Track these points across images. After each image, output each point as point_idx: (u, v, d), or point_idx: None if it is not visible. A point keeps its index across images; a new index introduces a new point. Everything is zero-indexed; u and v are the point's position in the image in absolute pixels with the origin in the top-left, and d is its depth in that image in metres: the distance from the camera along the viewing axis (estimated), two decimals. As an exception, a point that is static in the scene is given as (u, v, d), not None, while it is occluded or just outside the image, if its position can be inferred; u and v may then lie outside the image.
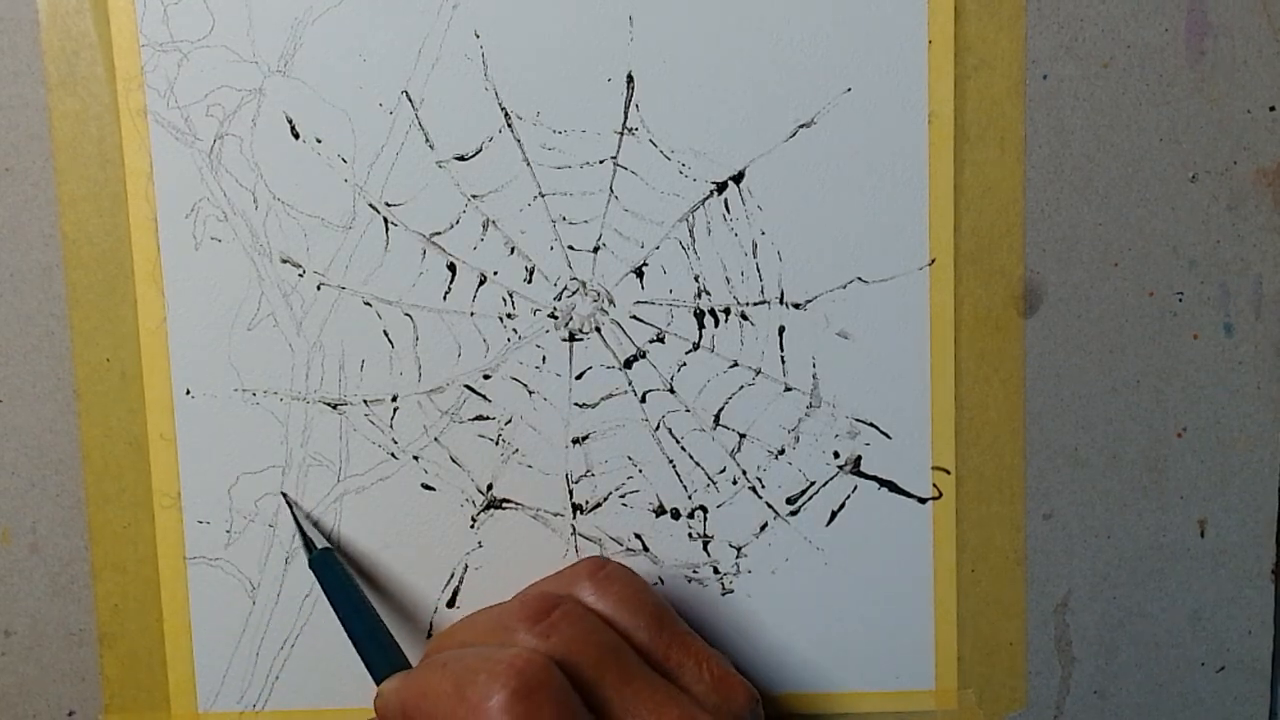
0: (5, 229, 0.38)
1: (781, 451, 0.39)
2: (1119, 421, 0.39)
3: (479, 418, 0.39)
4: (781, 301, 0.39)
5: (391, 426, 0.39)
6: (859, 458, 0.39)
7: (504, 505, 0.39)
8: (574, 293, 0.39)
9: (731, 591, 0.40)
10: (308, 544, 0.38)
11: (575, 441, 0.39)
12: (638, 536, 0.40)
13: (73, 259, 0.38)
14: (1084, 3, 0.38)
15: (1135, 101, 0.38)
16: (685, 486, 0.39)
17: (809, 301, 0.39)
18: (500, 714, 0.30)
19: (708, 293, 0.39)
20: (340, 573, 0.37)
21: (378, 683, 0.35)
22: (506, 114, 0.38)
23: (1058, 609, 0.40)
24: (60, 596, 0.39)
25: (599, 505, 0.39)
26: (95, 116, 0.38)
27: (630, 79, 0.38)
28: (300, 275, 0.38)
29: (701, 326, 0.39)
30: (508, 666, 0.31)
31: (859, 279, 0.38)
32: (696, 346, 0.39)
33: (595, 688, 0.32)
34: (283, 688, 0.40)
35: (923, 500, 0.39)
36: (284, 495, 0.39)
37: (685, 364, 0.39)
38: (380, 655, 0.35)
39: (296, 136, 0.38)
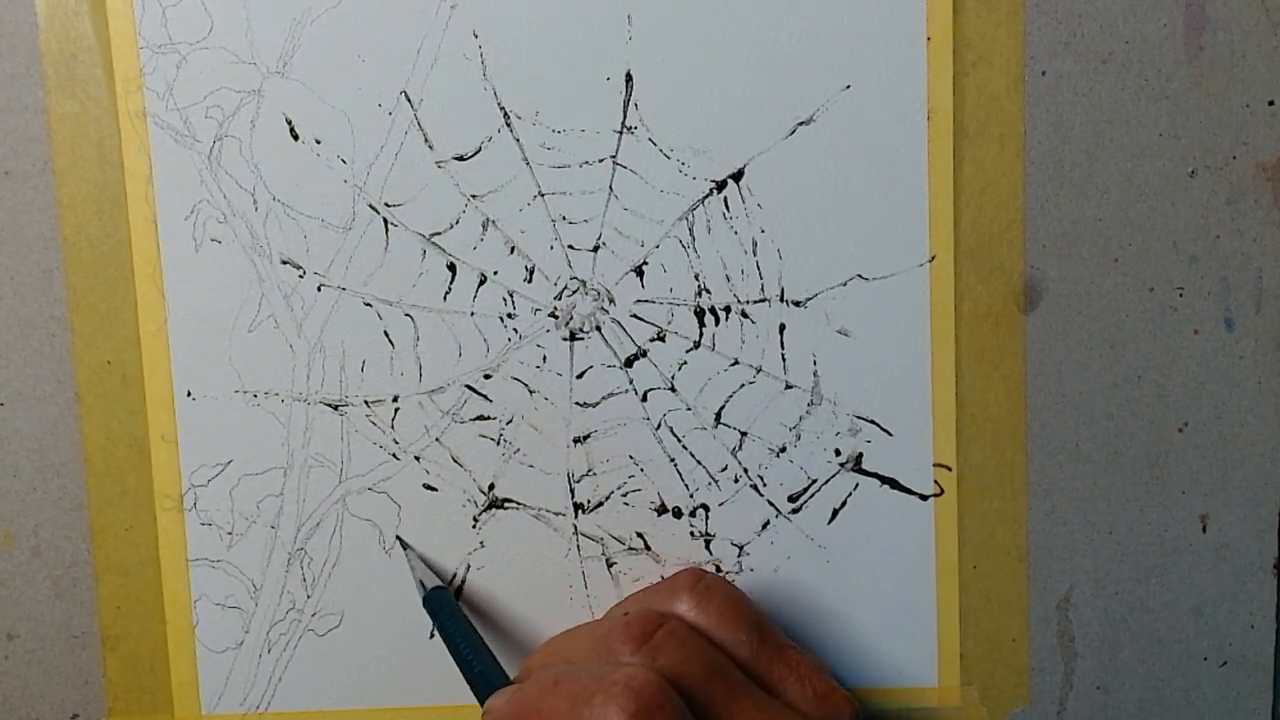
0: (5, 232, 0.38)
1: (783, 449, 0.39)
2: (1120, 417, 0.39)
3: (480, 418, 0.39)
4: (782, 299, 0.39)
5: (393, 427, 0.39)
6: (860, 455, 0.39)
7: (506, 505, 0.39)
8: (574, 292, 0.39)
9: (734, 590, 0.40)
10: (420, 583, 0.38)
11: (576, 441, 0.39)
12: (640, 535, 0.40)
13: (73, 261, 0.38)
14: (1082, -2, 0.38)
15: (1134, 97, 0.38)
16: (687, 485, 0.39)
17: (809, 299, 0.39)
18: None
19: (708, 291, 0.39)
20: (453, 609, 0.37)
21: (482, 703, 0.35)
22: (505, 113, 0.38)
23: (1060, 605, 0.40)
24: (62, 599, 0.39)
25: (600, 504, 0.39)
26: (94, 119, 0.38)
27: (629, 78, 0.38)
28: (300, 276, 0.38)
29: (702, 325, 0.39)
30: (624, 688, 0.30)
31: (859, 276, 0.38)
32: (697, 345, 0.39)
33: (703, 708, 0.32)
34: (286, 689, 0.40)
35: (924, 497, 0.39)
36: (399, 539, 0.39)
37: (686, 362, 0.39)
38: (489, 676, 0.35)
39: (296, 138, 0.38)
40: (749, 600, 0.36)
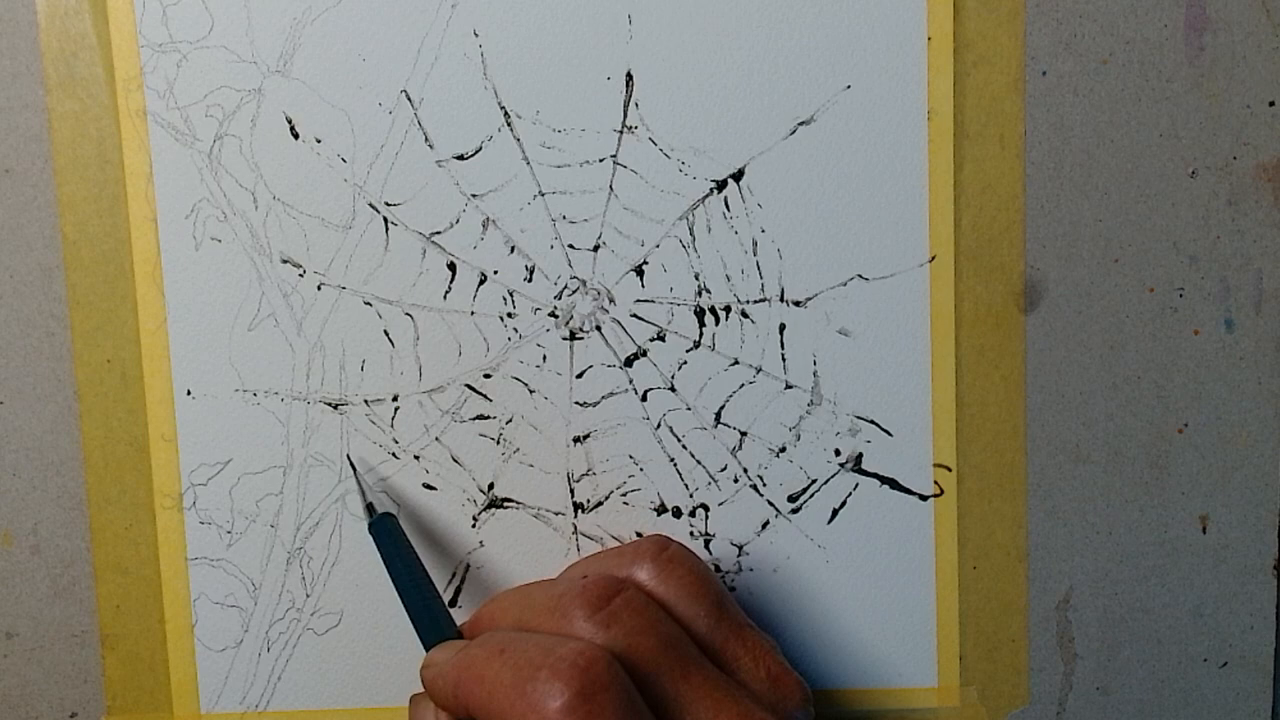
0: (5, 230, 0.38)
1: (783, 449, 0.39)
2: (1120, 418, 0.39)
3: (480, 417, 0.39)
4: (782, 299, 0.39)
5: (392, 426, 0.39)
6: (860, 455, 0.39)
7: (505, 504, 0.39)
8: (574, 291, 0.39)
9: (733, 590, 0.40)
10: (368, 507, 0.38)
11: (576, 440, 0.39)
12: (639, 535, 0.39)
13: (73, 260, 0.38)
14: (1083, -1, 0.38)
15: (1135, 97, 0.38)
16: (686, 485, 0.39)
17: (809, 299, 0.39)
18: (563, 716, 0.29)
19: (708, 291, 0.39)
20: (399, 538, 0.37)
21: (426, 649, 0.34)
22: (506, 113, 0.38)
23: (1060, 605, 0.40)
24: (62, 598, 0.39)
25: (600, 504, 0.39)
26: (95, 118, 0.38)
27: (629, 77, 0.38)
28: (300, 275, 0.38)
29: (702, 325, 0.39)
30: (571, 665, 0.30)
31: (859, 276, 0.38)
32: (697, 345, 0.39)
33: (653, 681, 0.31)
34: (285, 688, 0.40)
35: (924, 497, 0.39)
36: (349, 458, 0.39)
37: (686, 362, 0.39)
38: (432, 622, 0.35)
39: (296, 136, 0.38)
40: (712, 574, 0.35)
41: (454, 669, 0.32)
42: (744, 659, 0.34)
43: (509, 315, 0.39)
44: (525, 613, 0.34)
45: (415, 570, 0.36)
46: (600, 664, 0.30)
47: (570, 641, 0.31)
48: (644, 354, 0.39)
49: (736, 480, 0.39)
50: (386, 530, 0.37)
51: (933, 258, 0.38)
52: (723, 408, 0.39)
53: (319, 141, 0.38)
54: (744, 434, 0.39)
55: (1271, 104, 0.38)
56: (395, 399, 0.39)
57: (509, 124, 0.38)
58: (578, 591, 0.33)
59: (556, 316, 0.39)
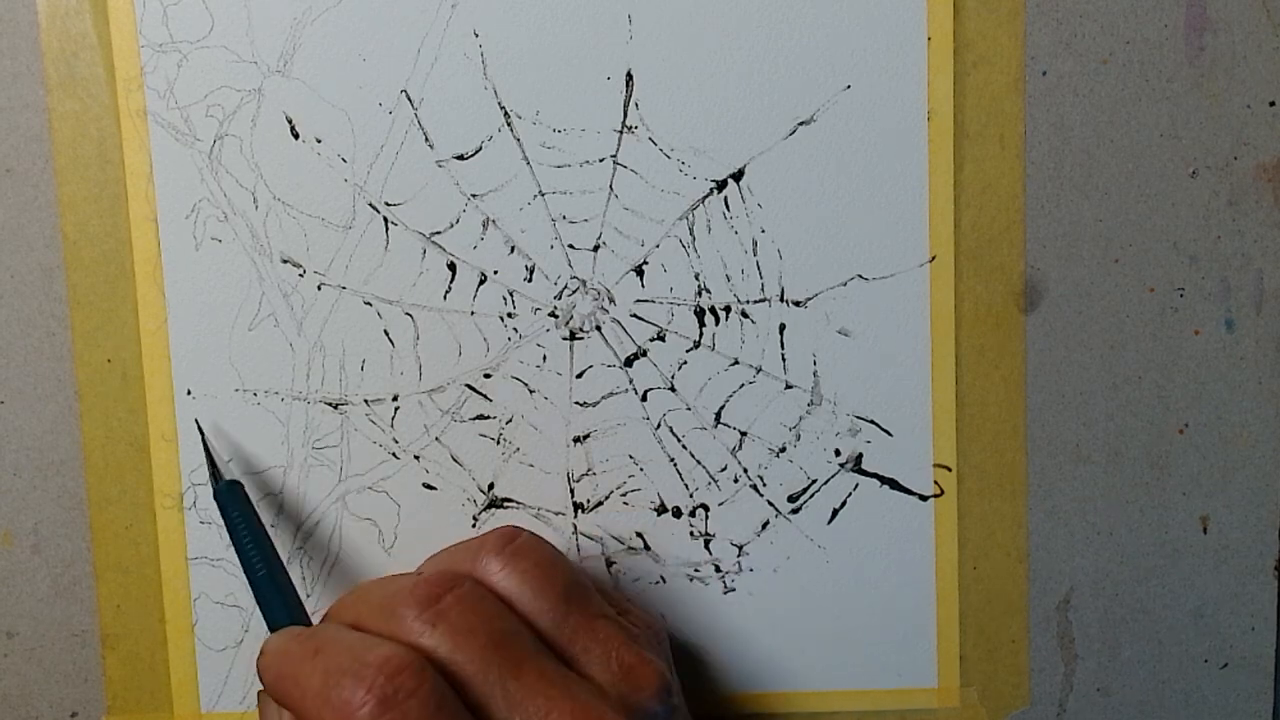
0: (6, 230, 0.38)
1: (783, 449, 0.39)
2: (1120, 418, 0.39)
3: (480, 417, 0.39)
4: (782, 299, 0.39)
5: (392, 426, 0.39)
6: (860, 455, 0.39)
7: (505, 504, 0.39)
8: (574, 291, 0.39)
9: (733, 590, 0.40)
10: (214, 474, 0.37)
11: (576, 440, 0.39)
12: (639, 535, 0.40)
13: (73, 260, 0.38)
14: (1083, -1, 0.38)
15: (1135, 97, 0.38)
16: (686, 485, 0.39)
17: (809, 299, 0.39)
18: None
19: (708, 291, 0.39)
20: (246, 509, 0.36)
21: (271, 631, 0.34)
22: (506, 113, 0.38)
23: (1060, 606, 0.40)
24: (62, 597, 0.39)
25: (600, 504, 0.39)
26: (95, 117, 0.38)
27: (629, 77, 0.38)
28: (301, 275, 0.38)
29: (702, 325, 0.39)
30: (376, 670, 0.29)
31: (859, 276, 0.38)
32: (697, 345, 0.39)
33: (479, 682, 0.30)
34: (285, 688, 0.40)
35: (924, 497, 0.39)
36: (196, 422, 0.38)
37: (686, 362, 0.39)
38: (277, 604, 0.34)
39: (296, 136, 0.38)
40: (564, 565, 0.34)
41: (274, 663, 0.31)
42: (595, 651, 0.32)
43: (509, 315, 0.39)
44: (360, 610, 0.33)
45: (263, 545, 0.35)
46: (408, 670, 0.29)
47: (381, 645, 0.30)
48: (644, 354, 0.39)
49: (736, 480, 0.39)
50: (234, 499, 0.36)
51: (933, 258, 0.38)
52: (723, 408, 0.39)
53: (319, 141, 0.38)
54: (744, 434, 0.39)
55: (1272, 104, 0.38)
56: (395, 399, 0.39)
57: (509, 124, 0.38)
58: (409, 589, 0.32)
59: (556, 316, 0.39)
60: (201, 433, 0.38)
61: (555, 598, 0.33)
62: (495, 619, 0.31)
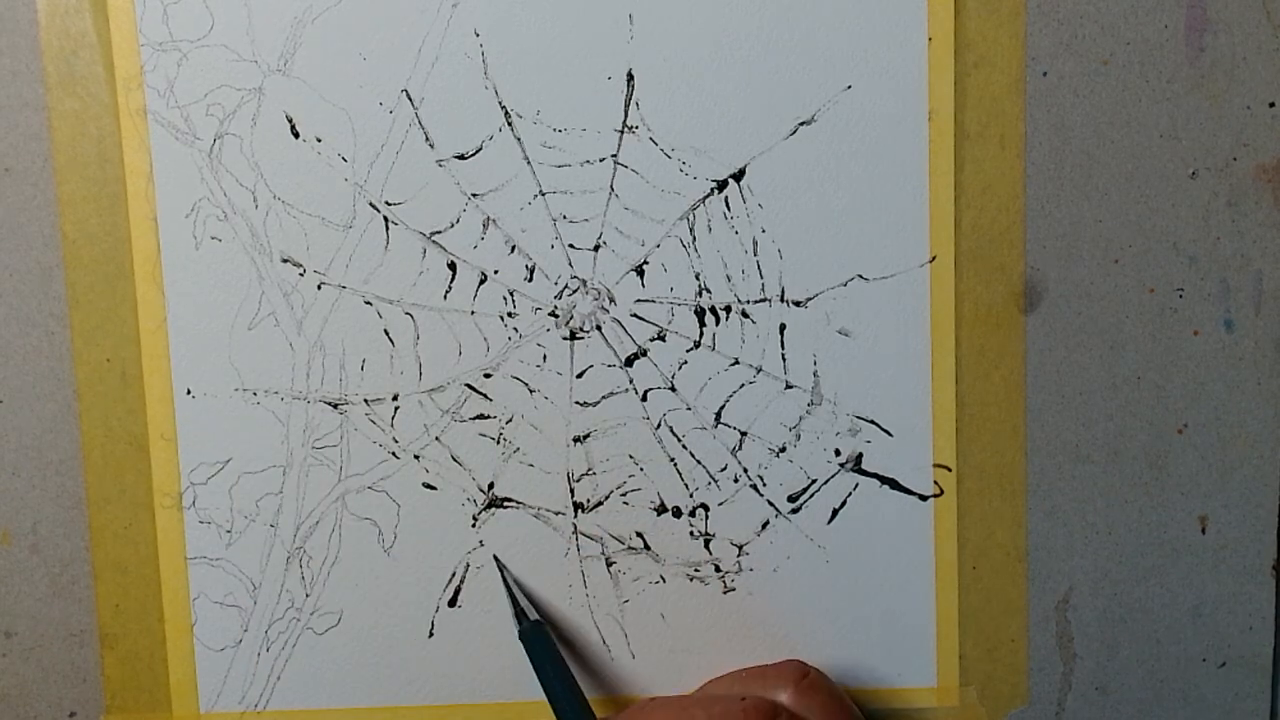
0: (5, 229, 0.38)
1: (783, 449, 0.39)
2: (1120, 418, 0.39)
3: (480, 416, 0.39)
4: (782, 299, 0.39)
5: (392, 426, 0.39)
6: (860, 455, 0.39)
7: (505, 504, 0.39)
8: (575, 291, 0.39)
9: (733, 590, 0.40)
10: (518, 614, 0.38)
11: (576, 440, 0.39)
12: (639, 535, 0.40)
13: (73, 259, 0.38)
14: None
15: (1135, 98, 0.38)
16: (686, 485, 0.39)
17: (810, 299, 0.39)
18: None
19: (708, 291, 0.39)
20: (549, 646, 0.37)
21: None
22: (506, 112, 0.38)
23: (1059, 605, 0.40)
24: (61, 597, 0.39)
25: (600, 504, 0.39)
26: (95, 116, 0.38)
27: (630, 77, 0.38)
28: (301, 274, 0.38)
29: (702, 324, 0.39)
30: None
31: (860, 276, 0.38)
32: (697, 344, 0.39)
33: None
34: (284, 688, 0.40)
35: (924, 497, 0.39)
36: (496, 559, 0.39)
37: (686, 362, 0.39)
38: None
39: (296, 136, 0.38)
40: (846, 698, 0.37)
41: None
42: None
43: (509, 315, 0.39)
44: None
45: (565, 677, 0.37)
46: None
47: None
48: (644, 354, 0.39)
49: (736, 480, 0.39)
50: (538, 639, 0.37)
51: (933, 258, 0.38)
52: (723, 408, 0.39)
53: (319, 141, 0.38)
54: (744, 434, 0.39)
55: (1272, 105, 0.38)
56: (395, 398, 0.39)
57: (509, 123, 0.38)
58: (738, 712, 0.34)
59: (557, 316, 0.39)
60: (503, 574, 0.39)
61: None
62: None
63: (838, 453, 0.39)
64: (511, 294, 0.39)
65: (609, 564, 0.40)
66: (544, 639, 0.37)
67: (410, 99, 0.38)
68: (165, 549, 0.39)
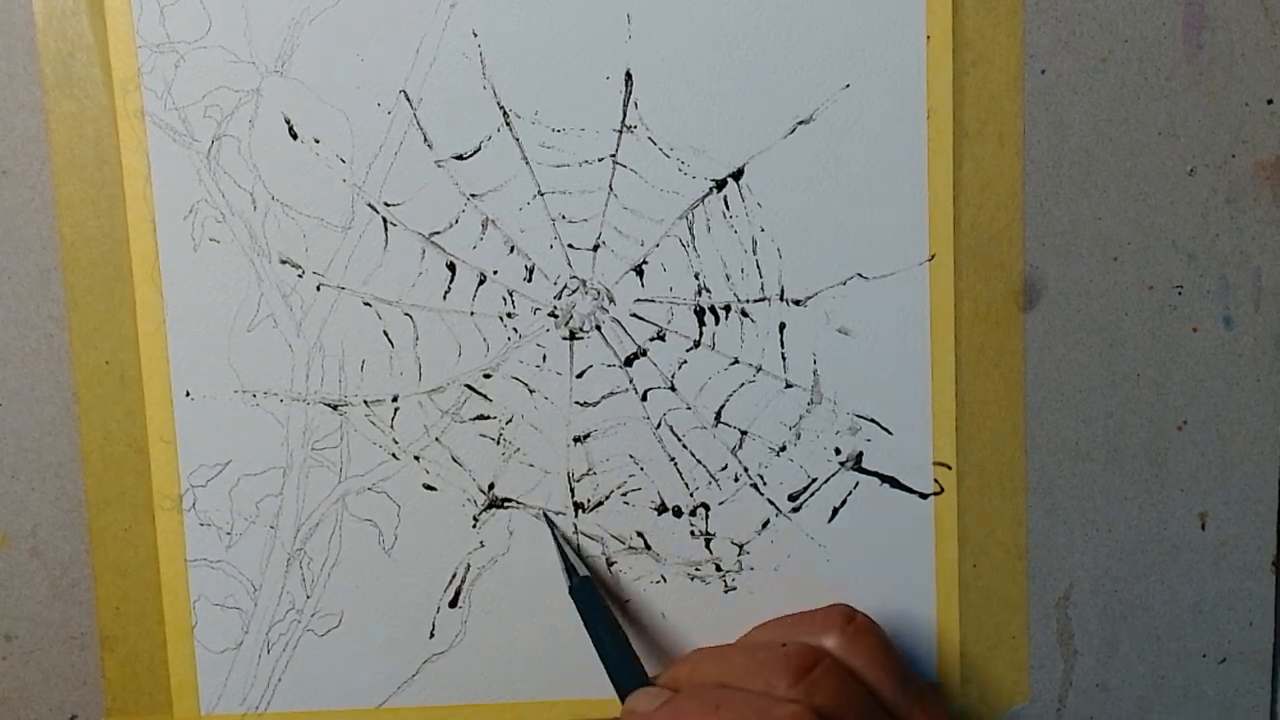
0: (3, 232, 0.38)
1: (783, 448, 0.39)
2: (1119, 415, 0.39)
3: (480, 417, 0.39)
4: (782, 298, 0.39)
5: (392, 427, 0.39)
6: (860, 454, 0.39)
7: (505, 504, 0.39)
8: (574, 291, 0.39)
9: (734, 589, 0.40)
10: (568, 570, 0.38)
11: (576, 440, 0.39)
12: (639, 535, 0.40)
13: (71, 261, 0.38)
14: (1081, -3, 0.38)
15: (1133, 95, 0.38)
16: (687, 484, 0.39)
17: (809, 298, 0.39)
18: None
19: (708, 290, 0.39)
20: (600, 601, 0.38)
21: (622, 697, 0.36)
22: (505, 113, 0.38)
23: (1059, 603, 0.40)
24: (61, 600, 0.39)
25: (600, 504, 0.39)
26: (92, 118, 0.38)
27: (629, 77, 0.38)
28: (299, 276, 0.38)
29: (702, 324, 0.39)
30: None
31: (859, 275, 0.38)
32: (697, 344, 0.39)
33: None
34: (285, 690, 0.40)
35: (924, 495, 0.39)
36: (545, 515, 0.39)
37: (686, 362, 0.39)
38: (630, 676, 0.36)
39: (295, 137, 0.38)
40: (893, 645, 0.37)
41: (666, 717, 0.33)
42: None
43: (509, 315, 0.39)
44: (725, 674, 0.35)
45: (615, 631, 0.37)
46: None
47: (784, 704, 0.33)
48: (644, 353, 0.39)
49: (737, 479, 0.39)
50: (588, 594, 0.38)
51: (932, 256, 0.38)
52: (723, 407, 0.39)
53: (318, 142, 0.38)
54: (744, 433, 0.39)
55: (1270, 102, 0.38)
56: (395, 399, 0.39)
57: (508, 124, 0.38)
58: (780, 659, 0.34)
59: (556, 316, 0.39)
60: (553, 530, 0.39)
61: (896, 674, 0.36)
62: (859, 692, 0.35)
63: (838, 451, 0.39)
64: (511, 294, 0.39)
65: (609, 564, 0.40)
66: (594, 594, 0.37)
67: (408, 99, 0.38)
68: (165, 551, 0.39)
